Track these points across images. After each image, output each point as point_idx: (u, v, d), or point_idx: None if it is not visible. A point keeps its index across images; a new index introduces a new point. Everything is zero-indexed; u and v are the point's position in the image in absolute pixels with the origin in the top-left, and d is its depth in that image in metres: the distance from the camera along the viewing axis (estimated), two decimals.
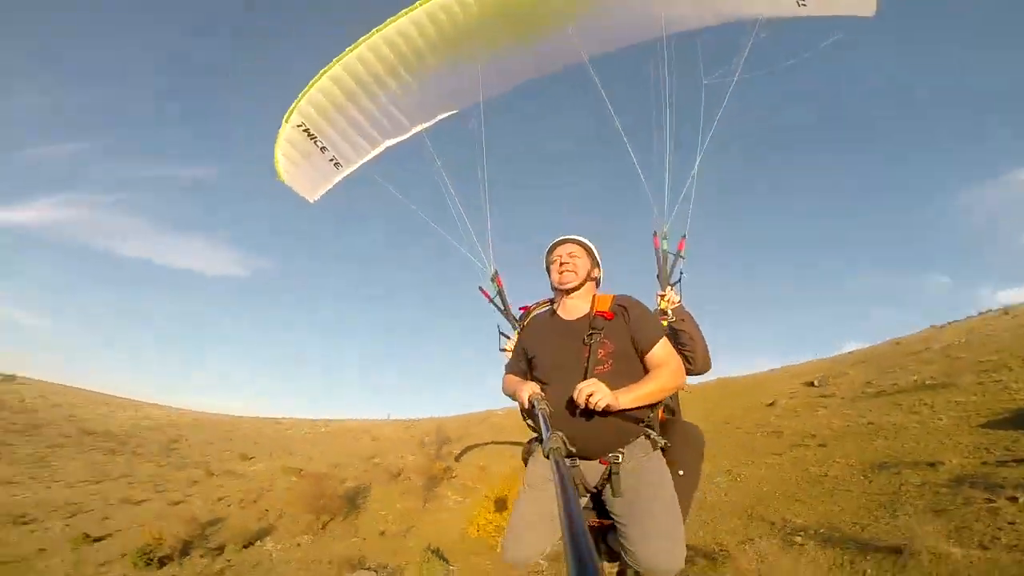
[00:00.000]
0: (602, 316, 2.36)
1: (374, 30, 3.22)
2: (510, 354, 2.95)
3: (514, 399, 2.46)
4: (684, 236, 3.27)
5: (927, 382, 9.26)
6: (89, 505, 13.25)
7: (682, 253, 3.23)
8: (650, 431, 2.30)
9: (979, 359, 9.54)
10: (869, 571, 4.31)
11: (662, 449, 2.34)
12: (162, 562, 9.60)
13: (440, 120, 3.94)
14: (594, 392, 2.01)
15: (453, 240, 3.71)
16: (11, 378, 34.14)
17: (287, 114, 3.41)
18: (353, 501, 12.43)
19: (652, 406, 2.30)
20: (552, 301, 2.66)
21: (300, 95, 3.36)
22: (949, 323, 16.14)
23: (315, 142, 3.58)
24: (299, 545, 10.59)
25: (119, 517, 12.74)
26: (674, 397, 2.78)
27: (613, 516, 2.22)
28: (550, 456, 1.50)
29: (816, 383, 11.89)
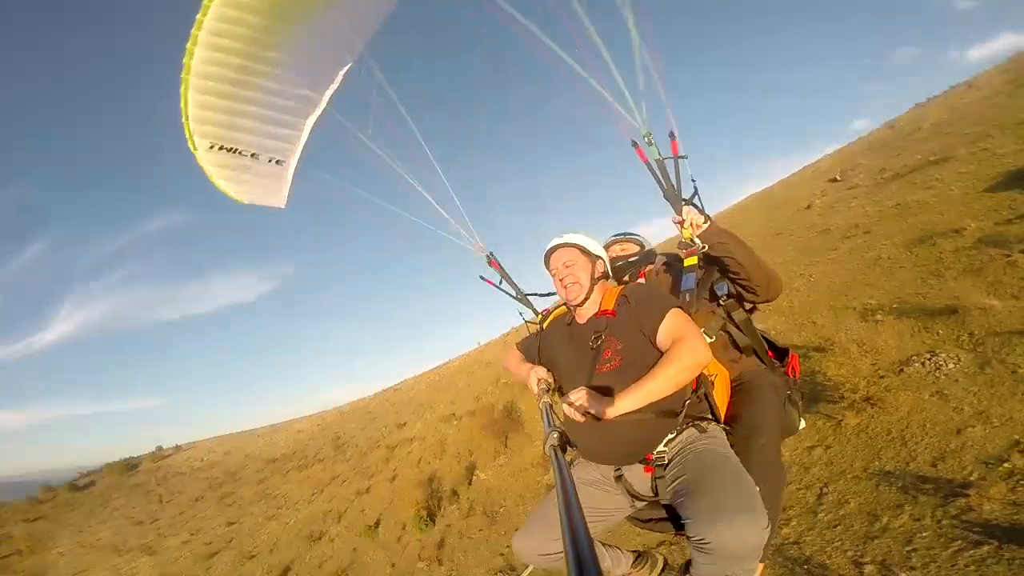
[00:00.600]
0: (604, 315, 2.27)
1: (194, 27, 2.80)
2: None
3: (518, 379, 2.45)
4: (673, 135, 2.59)
5: (930, 159, 10.98)
6: (340, 507, 15.59)
7: (683, 154, 2.58)
8: (698, 421, 2.08)
9: (964, 131, 11.10)
10: (940, 331, 5.21)
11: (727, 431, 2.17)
12: (431, 520, 11.51)
13: (344, 77, 3.49)
14: (578, 399, 1.93)
15: (429, 225, 3.37)
16: (178, 448, 37.63)
17: (189, 144, 3.14)
18: (511, 418, 13.64)
19: (693, 390, 2.10)
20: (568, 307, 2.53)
21: (184, 119, 3.06)
22: (929, 99, 17.38)
23: (240, 154, 3.33)
24: (501, 465, 11.93)
25: (370, 506, 14.82)
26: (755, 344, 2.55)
27: (680, 515, 1.85)
28: (549, 452, 1.42)
29: (839, 177, 13.66)
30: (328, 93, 3.48)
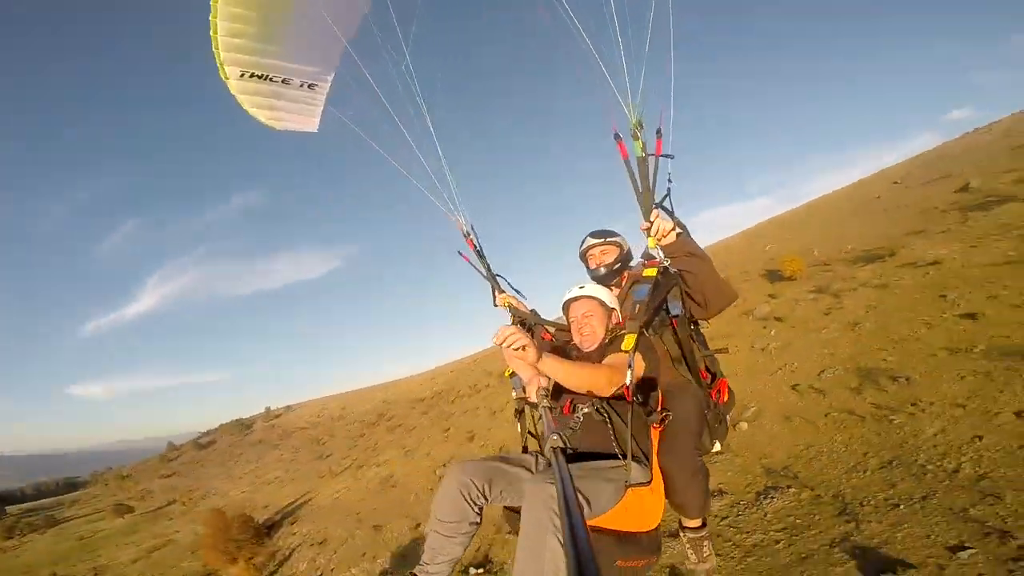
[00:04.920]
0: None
1: None
2: (505, 307, 3.13)
3: (518, 371, 2.47)
4: (659, 132, 2.33)
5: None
6: (492, 446, 16.34)
7: (670, 153, 2.32)
8: (623, 458, 2.16)
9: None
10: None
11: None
12: None
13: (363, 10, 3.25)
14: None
15: (424, 188, 3.22)
16: (288, 408, 38.48)
17: (221, 74, 3.01)
18: None
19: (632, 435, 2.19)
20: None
21: (215, 49, 2.91)
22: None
23: (270, 80, 3.18)
24: None
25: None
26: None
27: None
28: (549, 454, 1.50)
29: (898, 182, 17.69)
30: (358, 17, 3.29)
